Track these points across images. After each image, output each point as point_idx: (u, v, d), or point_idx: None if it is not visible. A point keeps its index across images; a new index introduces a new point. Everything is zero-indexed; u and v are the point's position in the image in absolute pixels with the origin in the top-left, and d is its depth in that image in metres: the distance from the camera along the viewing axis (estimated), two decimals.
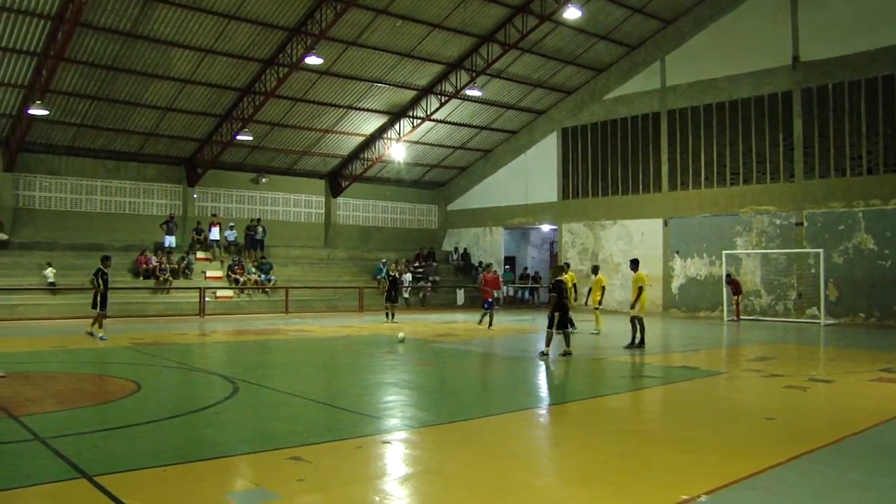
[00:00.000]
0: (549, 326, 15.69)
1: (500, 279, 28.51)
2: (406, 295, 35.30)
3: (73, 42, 24.36)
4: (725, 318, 28.29)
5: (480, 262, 40.42)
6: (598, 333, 21.21)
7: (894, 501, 6.22)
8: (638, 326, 17.78)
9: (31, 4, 22.90)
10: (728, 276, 28.91)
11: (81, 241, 30.05)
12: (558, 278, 16.42)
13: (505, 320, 27.75)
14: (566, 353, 15.71)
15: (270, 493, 6.11)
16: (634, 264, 19.01)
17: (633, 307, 17.94)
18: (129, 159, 32.31)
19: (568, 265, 24.95)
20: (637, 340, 17.65)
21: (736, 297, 28.48)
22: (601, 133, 35.57)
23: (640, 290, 17.89)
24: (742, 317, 28.35)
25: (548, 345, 15.69)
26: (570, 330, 16.64)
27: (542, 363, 14.88)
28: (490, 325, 24.06)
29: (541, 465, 7.55)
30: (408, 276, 36.30)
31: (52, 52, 24.15)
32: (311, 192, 38.20)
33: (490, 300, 24.62)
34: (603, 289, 22.66)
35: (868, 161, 27.18)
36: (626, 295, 19.94)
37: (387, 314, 26.71)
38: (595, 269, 23.55)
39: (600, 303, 22.26)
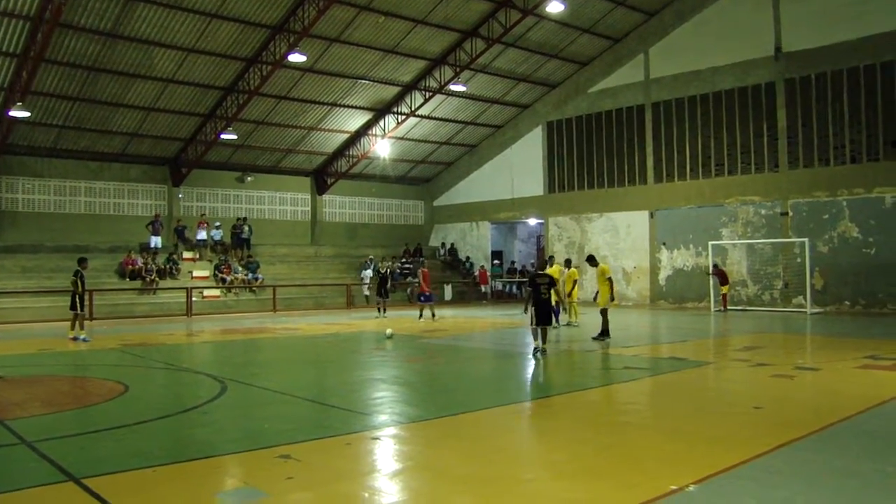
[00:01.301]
0: (531, 323, 15.49)
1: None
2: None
3: (54, 43, 24.21)
4: (713, 309, 28.39)
5: (468, 258, 40.49)
6: (577, 326, 21.29)
7: (879, 487, 6.25)
8: (602, 318, 17.86)
9: (9, 5, 22.73)
10: (714, 266, 29.02)
11: (66, 243, 29.86)
12: (539, 272, 16.20)
13: (493, 315, 27.79)
14: (540, 351, 15.05)
15: (259, 492, 6.09)
16: (591, 260, 19.26)
17: (612, 299, 18.02)
18: (113, 160, 32.15)
19: (552, 258, 24.99)
20: (601, 331, 17.74)
21: (723, 288, 28.57)
22: (586, 126, 35.62)
23: (610, 280, 18.04)
24: (729, 307, 28.43)
25: (536, 339, 15.35)
26: (553, 325, 16.55)
27: (532, 358, 14.79)
28: (433, 316, 25.23)
29: (531, 459, 7.56)
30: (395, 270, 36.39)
31: (32, 52, 23.98)
32: (296, 190, 38.12)
33: (428, 293, 25.69)
34: (575, 282, 22.63)
35: (851, 150, 27.32)
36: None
37: (379, 309, 27.36)
38: (567, 263, 23.61)
39: (570, 294, 22.24)
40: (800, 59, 28.48)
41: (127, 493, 6.09)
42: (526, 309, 15.59)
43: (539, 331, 15.21)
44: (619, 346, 16.67)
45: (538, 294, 15.21)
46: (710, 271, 28.93)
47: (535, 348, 15.13)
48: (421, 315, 25.60)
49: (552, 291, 15.69)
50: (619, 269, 32.75)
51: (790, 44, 28.71)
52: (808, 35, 28.12)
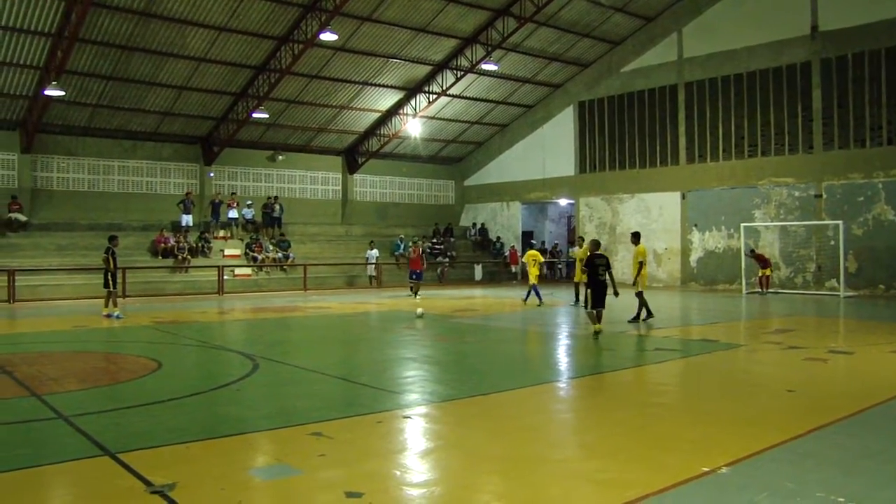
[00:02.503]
0: (586, 307, 15.29)
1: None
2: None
3: (87, 22, 24.36)
4: (744, 291, 28.14)
5: (498, 238, 40.42)
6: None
7: None
8: (640, 301, 17.66)
9: None
10: (752, 251, 28.55)
11: (100, 222, 30.20)
12: (597, 253, 15.54)
13: (524, 295, 27.75)
14: (595, 333, 14.92)
15: (292, 469, 6.15)
16: (636, 237, 18.86)
17: (634, 283, 17.88)
18: (146, 139, 32.38)
19: (581, 238, 24.86)
20: (643, 316, 17.53)
21: (764, 271, 28.08)
22: (618, 106, 35.33)
23: (641, 265, 17.83)
24: (758, 290, 28.10)
25: (595, 322, 15.05)
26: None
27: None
28: (415, 294, 26.67)
29: (562, 439, 7.55)
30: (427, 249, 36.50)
31: (66, 32, 24.15)
32: (327, 169, 38.19)
33: (418, 271, 27.38)
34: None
35: (888, 131, 26.88)
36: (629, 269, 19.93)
37: (411, 289, 27.53)
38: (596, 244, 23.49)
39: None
40: (836, 39, 28.01)
41: (161, 468, 6.16)
42: (586, 292, 15.44)
43: (601, 312, 15.05)
44: (649, 327, 16.60)
45: (595, 275, 15.05)
46: (748, 253, 28.50)
47: (597, 331, 14.88)
48: (415, 293, 26.84)
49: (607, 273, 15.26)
50: (651, 250, 32.49)
51: (827, 22, 28.23)
52: (846, 13, 27.62)
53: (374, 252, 33.51)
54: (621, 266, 33.78)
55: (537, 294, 23.66)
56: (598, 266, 15.03)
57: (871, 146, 27.23)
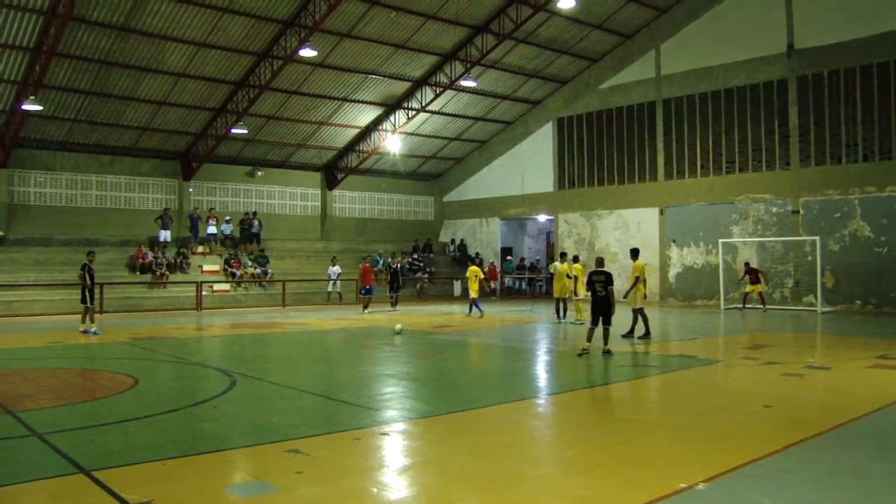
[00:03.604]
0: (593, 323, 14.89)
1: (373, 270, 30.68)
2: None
3: (66, 37, 24.26)
4: (723, 307, 28.29)
5: (478, 254, 40.44)
6: (582, 323, 21.23)
7: (890, 487, 6.23)
8: (640, 318, 17.53)
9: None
10: (746, 264, 28.19)
11: (77, 237, 29.97)
12: (597, 269, 15.23)
13: (502, 311, 27.78)
14: (603, 351, 14.64)
15: (269, 486, 6.12)
16: (635, 253, 18.62)
17: (625, 296, 17.72)
18: (124, 154, 32.20)
19: (564, 254, 24.94)
20: (644, 331, 17.39)
21: (757, 287, 27.39)
22: (596, 123, 35.53)
23: (637, 279, 17.76)
24: (737, 305, 28.19)
25: (588, 340, 14.79)
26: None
27: (546, 356, 14.73)
28: (364, 308, 27.41)
29: (540, 455, 7.56)
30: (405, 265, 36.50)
31: (44, 46, 24.01)
32: (306, 185, 38.14)
33: (368, 287, 27.73)
34: (575, 278, 22.52)
35: (864, 148, 27.18)
36: (622, 285, 19.95)
37: (391, 304, 28.57)
38: (575, 259, 23.50)
39: (575, 291, 22.24)
40: (812, 57, 28.34)
41: (137, 485, 6.11)
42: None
43: (594, 331, 14.73)
44: (628, 343, 16.63)
45: (594, 293, 14.82)
46: (745, 266, 28.16)
47: (584, 349, 14.62)
48: (365, 307, 27.46)
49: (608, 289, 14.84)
50: (629, 266, 32.58)
51: (803, 41, 28.57)
52: (821, 32, 27.97)
53: (336, 269, 33.00)
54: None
55: (478, 308, 25.25)
56: (594, 283, 14.77)
57: (846, 163, 27.51)
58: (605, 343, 14.63)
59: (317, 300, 32.70)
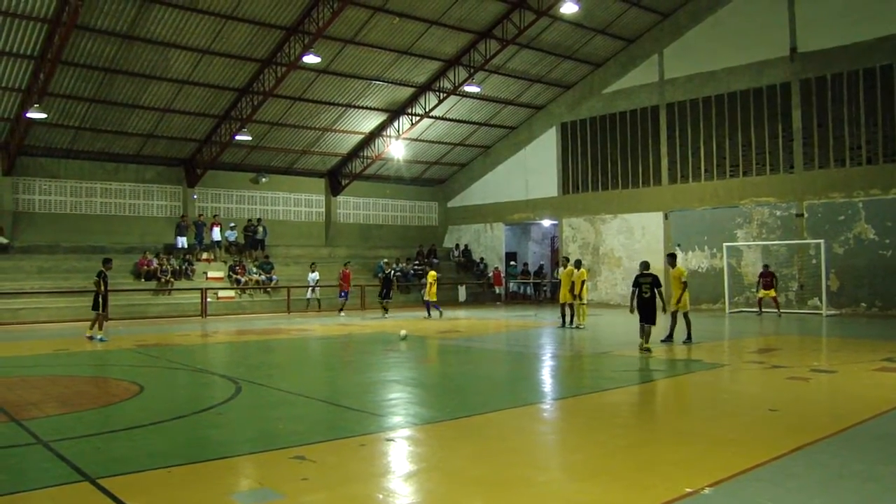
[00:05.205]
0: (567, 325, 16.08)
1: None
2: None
3: (70, 45, 24.36)
4: (728, 311, 28.24)
5: (482, 259, 40.44)
6: (583, 328, 21.26)
7: None
8: (685, 321, 17.73)
9: (27, 8, 22.88)
10: (766, 266, 27.95)
11: (82, 244, 30.07)
12: (644, 272, 16.44)
13: (507, 316, 27.77)
14: (643, 349, 15.68)
15: (275, 493, 6.11)
16: (672, 258, 18.88)
17: (678, 302, 17.66)
18: (129, 161, 32.28)
19: (567, 259, 24.90)
20: (686, 335, 17.59)
21: (768, 292, 26.99)
22: (600, 127, 35.54)
23: (685, 285, 17.76)
24: (741, 309, 28.09)
25: (641, 336, 15.91)
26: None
27: (549, 359, 14.72)
28: (339, 310, 29.56)
29: (545, 461, 7.54)
30: (409, 271, 36.51)
31: (49, 55, 24.11)
32: (311, 191, 38.18)
33: (345, 291, 29.98)
34: (584, 283, 22.49)
35: (867, 151, 27.16)
36: (627, 289, 19.92)
37: (383, 310, 29.23)
38: (577, 264, 23.52)
39: (579, 296, 22.19)
40: (815, 60, 28.33)
41: (142, 493, 6.11)
42: (632, 309, 16.52)
43: (644, 327, 15.89)
44: (633, 347, 16.59)
45: (641, 294, 16.06)
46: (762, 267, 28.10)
47: (645, 347, 15.68)
48: (341, 310, 29.72)
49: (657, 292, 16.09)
50: (635, 270, 32.53)
51: (806, 44, 28.57)
52: (824, 35, 27.96)
53: (315, 275, 32.59)
54: (604, 286, 33.95)
55: (438, 309, 27.49)
56: (641, 285, 16.12)
57: (850, 165, 27.48)
58: (646, 341, 15.77)
59: (321, 306, 32.51)
